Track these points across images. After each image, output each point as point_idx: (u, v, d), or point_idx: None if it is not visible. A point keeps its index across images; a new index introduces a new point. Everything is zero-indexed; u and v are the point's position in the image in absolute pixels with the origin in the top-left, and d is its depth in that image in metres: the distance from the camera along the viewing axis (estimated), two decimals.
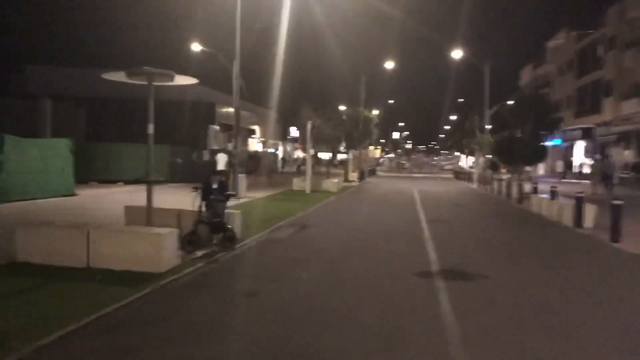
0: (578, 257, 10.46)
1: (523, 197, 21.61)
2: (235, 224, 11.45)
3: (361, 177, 39.19)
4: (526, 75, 61.70)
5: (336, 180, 27.78)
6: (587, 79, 42.86)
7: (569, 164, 47.16)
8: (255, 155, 33.78)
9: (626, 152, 37.60)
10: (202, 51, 22.49)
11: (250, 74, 45.39)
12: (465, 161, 69.66)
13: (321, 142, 34.68)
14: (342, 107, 42.11)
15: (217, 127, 33.60)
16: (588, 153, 46.19)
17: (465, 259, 9.81)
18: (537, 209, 18.39)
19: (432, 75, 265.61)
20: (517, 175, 31.48)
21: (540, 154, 29.18)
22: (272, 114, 47.34)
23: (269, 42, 31.23)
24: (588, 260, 10.09)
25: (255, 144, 53.15)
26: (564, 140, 45.35)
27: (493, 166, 42.57)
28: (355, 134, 37.18)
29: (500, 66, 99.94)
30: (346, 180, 36.86)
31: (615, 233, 11.51)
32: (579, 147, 47.53)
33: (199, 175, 29.70)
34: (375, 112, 47.03)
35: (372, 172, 53.97)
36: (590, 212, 14.22)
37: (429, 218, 16.02)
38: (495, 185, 27.47)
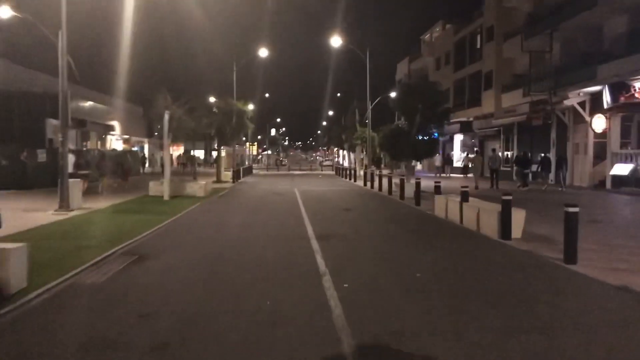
0: (544, 297, 7.00)
1: (421, 197, 18.80)
2: (12, 268, 6.91)
3: (236, 177, 34.95)
4: (403, 69, 60.99)
5: (204, 183, 23.23)
6: (466, 71, 42.16)
7: (448, 159, 46.42)
8: (107, 155, 28.19)
9: (505, 146, 37.15)
10: (15, 18, 16.78)
11: (107, 62, 39.12)
12: (347, 157, 67.81)
13: (184, 136, 29.71)
14: (212, 100, 37.55)
15: (56, 121, 27.50)
16: (466, 147, 45.83)
17: (387, 315, 6.11)
18: (442, 212, 15.50)
19: (310, 71, 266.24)
20: (406, 171, 29.16)
21: (432, 148, 27.10)
22: (121, 103, 41.38)
23: (122, 21, 25.89)
24: (564, 306, 6.80)
25: (114, 142, 46.83)
26: (441, 134, 44.44)
27: (378, 162, 40.45)
28: (228, 129, 32.90)
29: (379, 61, 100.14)
30: (218, 180, 32.57)
31: (571, 252, 8.50)
32: (458, 141, 47.17)
33: (31, 178, 24.52)
34: (251, 106, 43.11)
35: (249, 171, 49.96)
36: (517, 219, 11.33)
37: (319, 232, 12.30)
38: (385, 182, 24.63)
